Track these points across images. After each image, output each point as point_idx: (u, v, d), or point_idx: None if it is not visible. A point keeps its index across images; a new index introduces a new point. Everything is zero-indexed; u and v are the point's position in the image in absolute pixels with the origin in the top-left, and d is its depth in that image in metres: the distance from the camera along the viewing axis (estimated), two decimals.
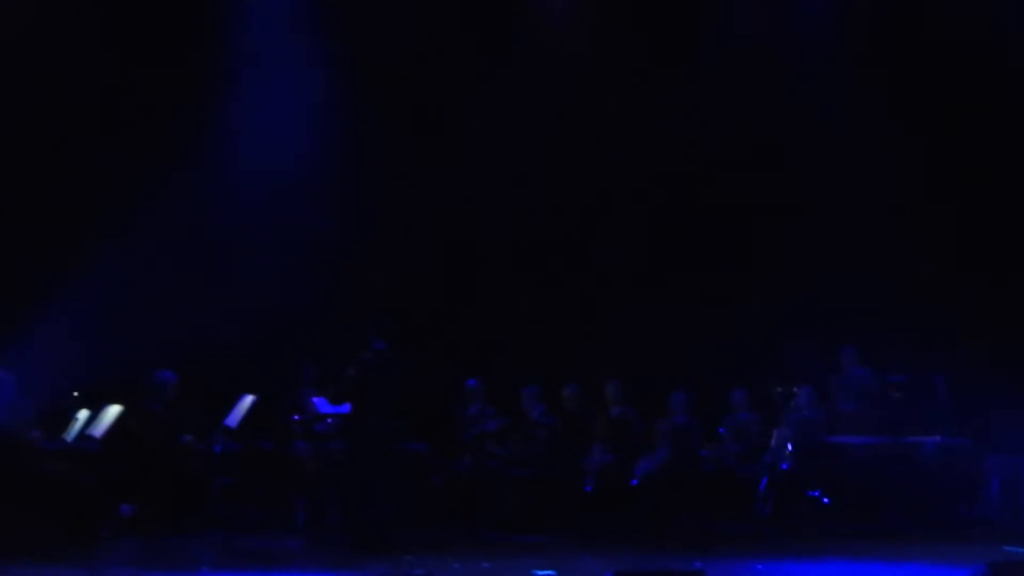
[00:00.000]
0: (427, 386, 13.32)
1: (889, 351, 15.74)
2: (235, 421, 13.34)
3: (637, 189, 17.02)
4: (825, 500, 14.85)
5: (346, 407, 12.97)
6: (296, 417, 13.61)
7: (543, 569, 11.12)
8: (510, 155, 16.17)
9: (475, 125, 16.17)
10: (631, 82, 16.66)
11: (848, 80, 16.94)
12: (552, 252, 16.65)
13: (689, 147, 16.86)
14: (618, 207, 17.06)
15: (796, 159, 16.99)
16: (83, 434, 12.63)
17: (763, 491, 14.30)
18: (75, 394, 13.14)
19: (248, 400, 13.48)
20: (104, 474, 12.67)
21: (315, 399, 13.57)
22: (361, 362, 12.10)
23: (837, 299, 16.56)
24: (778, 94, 16.86)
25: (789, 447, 14.34)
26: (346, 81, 15.84)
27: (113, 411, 12.67)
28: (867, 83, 16.90)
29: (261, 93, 15.48)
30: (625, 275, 16.89)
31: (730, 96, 16.74)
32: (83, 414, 12.71)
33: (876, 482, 14.71)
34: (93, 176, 15.03)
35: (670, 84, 16.54)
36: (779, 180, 17.00)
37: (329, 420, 13.40)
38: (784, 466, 14.30)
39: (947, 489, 14.74)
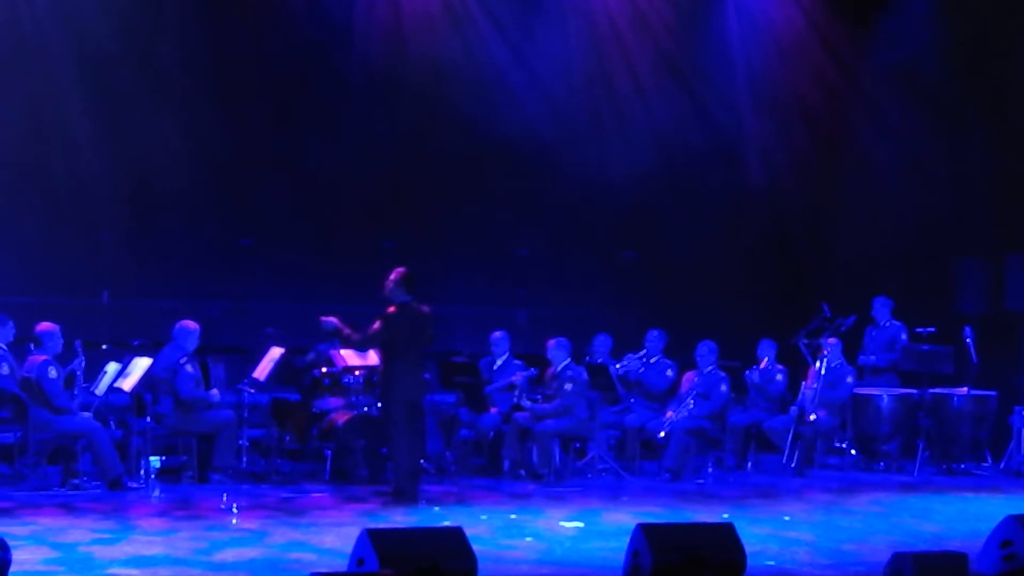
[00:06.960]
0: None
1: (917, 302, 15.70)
2: (263, 374, 13.36)
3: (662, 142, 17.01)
4: (853, 451, 14.83)
5: (375, 360, 12.98)
6: (324, 369, 13.62)
7: (570, 521, 11.16)
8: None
9: None
10: None
11: None
12: (583, 204, 16.64)
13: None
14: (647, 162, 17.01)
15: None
16: (112, 387, 12.67)
17: (790, 443, 14.28)
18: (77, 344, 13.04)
19: (276, 352, 13.48)
20: (133, 426, 12.74)
21: (340, 352, 13.56)
22: (385, 317, 12.08)
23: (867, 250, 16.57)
24: None
25: (816, 399, 14.30)
26: None
27: (142, 363, 12.68)
28: None
29: None
30: (650, 228, 16.87)
31: None
32: (112, 367, 12.73)
33: (903, 434, 14.68)
34: None
35: None
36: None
37: (357, 372, 13.40)
38: (811, 418, 14.26)
39: (974, 440, 14.70)
